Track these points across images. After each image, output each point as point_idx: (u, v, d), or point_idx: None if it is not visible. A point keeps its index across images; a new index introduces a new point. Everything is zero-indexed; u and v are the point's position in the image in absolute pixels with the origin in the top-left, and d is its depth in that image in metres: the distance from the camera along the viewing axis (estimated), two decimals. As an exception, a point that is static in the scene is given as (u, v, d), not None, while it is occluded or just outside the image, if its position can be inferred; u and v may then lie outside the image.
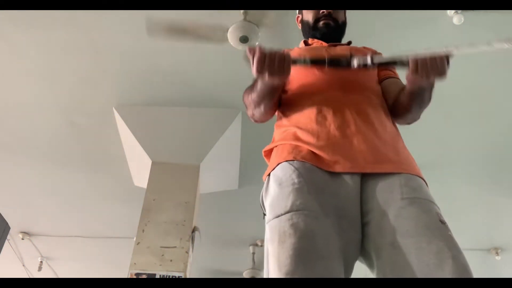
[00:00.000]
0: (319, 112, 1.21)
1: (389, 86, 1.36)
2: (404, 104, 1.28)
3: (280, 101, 1.33)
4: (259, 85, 1.22)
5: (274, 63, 1.09)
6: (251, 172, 3.83)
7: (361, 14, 2.42)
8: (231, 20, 2.72)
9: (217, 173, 3.84)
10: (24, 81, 3.23)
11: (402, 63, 1.15)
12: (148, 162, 3.47)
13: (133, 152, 3.66)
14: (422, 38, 2.83)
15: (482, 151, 3.79)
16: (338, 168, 1.10)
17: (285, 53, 1.12)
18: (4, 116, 3.50)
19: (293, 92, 1.32)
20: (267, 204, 1.13)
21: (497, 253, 5.02)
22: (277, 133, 1.29)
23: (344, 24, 1.53)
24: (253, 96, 1.26)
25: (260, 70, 1.10)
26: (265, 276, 1.00)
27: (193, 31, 2.56)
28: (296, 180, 1.08)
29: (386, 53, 1.40)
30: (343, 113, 1.20)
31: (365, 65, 1.18)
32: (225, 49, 2.94)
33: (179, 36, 2.50)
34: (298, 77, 1.33)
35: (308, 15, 1.53)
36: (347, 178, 1.09)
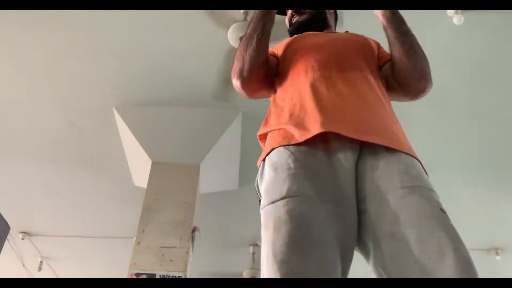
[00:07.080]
0: (312, 87, 1.21)
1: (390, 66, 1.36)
2: (395, 53, 1.32)
3: (274, 83, 1.34)
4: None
5: None
6: (251, 172, 3.79)
7: (361, 14, 2.41)
8: (231, 20, 2.72)
9: (217, 173, 3.84)
10: (24, 81, 3.23)
11: None
12: (148, 162, 3.47)
13: (133, 152, 3.66)
14: (422, 38, 2.81)
15: (482, 151, 3.79)
16: (331, 128, 1.08)
17: None
18: (3, 116, 3.50)
19: (286, 73, 1.32)
20: (262, 189, 1.11)
21: (497, 253, 5.01)
22: (270, 114, 1.28)
23: (319, 13, 1.55)
24: (248, 31, 1.30)
25: None
26: (261, 262, 0.98)
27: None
28: (292, 165, 1.06)
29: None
30: (337, 88, 1.20)
31: None
32: (225, 49, 2.95)
33: None
34: (291, 57, 1.33)
35: (286, 20, 1.60)
36: (342, 158, 1.07)
